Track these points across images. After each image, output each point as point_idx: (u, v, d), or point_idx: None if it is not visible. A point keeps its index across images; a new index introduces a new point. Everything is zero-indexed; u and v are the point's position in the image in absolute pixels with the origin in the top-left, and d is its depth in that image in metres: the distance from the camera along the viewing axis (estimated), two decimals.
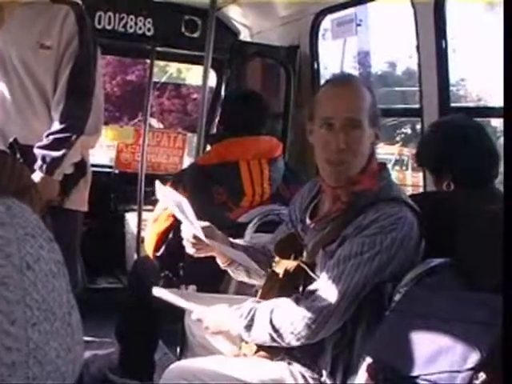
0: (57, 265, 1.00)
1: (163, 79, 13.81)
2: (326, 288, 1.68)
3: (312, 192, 1.96)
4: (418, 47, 2.84)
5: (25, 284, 0.93)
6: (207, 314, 1.88)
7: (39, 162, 2.40)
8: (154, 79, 5.03)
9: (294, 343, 1.70)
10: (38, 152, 2.41)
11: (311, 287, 1.73)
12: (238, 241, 2.14)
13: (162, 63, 11.69)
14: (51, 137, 2.41)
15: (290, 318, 1.68)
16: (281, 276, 1.84)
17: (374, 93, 1.82)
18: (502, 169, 2.05)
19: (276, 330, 1.70)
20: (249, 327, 1.74)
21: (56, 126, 2.42)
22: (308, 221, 1.90)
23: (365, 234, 1.68)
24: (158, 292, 2.09)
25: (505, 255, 1.24)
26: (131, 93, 15.78)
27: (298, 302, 1.71)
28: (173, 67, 14.29)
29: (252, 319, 1.74)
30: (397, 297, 1.56)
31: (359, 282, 1.65)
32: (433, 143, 2.16)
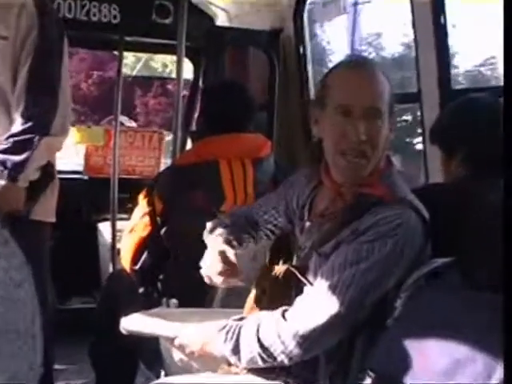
0: (19, 270, 0.97)
1: (134, 72, 13.76)
2: (318, 301, 1.64)
3: (311, 184, 1.91)
4: (413, 23, 2.81)
5: None
6: (188, 337, 1.83)
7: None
8: (138, 74, 4.99)
9: (287, 362, 1.67)
10: None
11: (301, 298, 1.69)
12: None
13: (143, 57, 11.67)
14: (11, 139, 2.37)
15: (280, 336, 1.64)
16: (269, 284, 1.82)
17: (390, 79, 1.78)
18: None
19: (265, 349, 1.66)
20: (235, 350, 1.70)
21: (17, 126, 2.39)
22: (306, 219, 1.87)
23: (362, 241, 1.64)
24: (127, 324, 2.01)
25: (505, 254, 1.22)
26: (105, 91, 15.78)
27: (285, 315, 1.67)
28: (158, 62, 14.33)
29: (237, 340, 1.70)
30: (398, 302, 1.53)
31: (355, 295, 1.61)
32: (450, 115, 2.13)
